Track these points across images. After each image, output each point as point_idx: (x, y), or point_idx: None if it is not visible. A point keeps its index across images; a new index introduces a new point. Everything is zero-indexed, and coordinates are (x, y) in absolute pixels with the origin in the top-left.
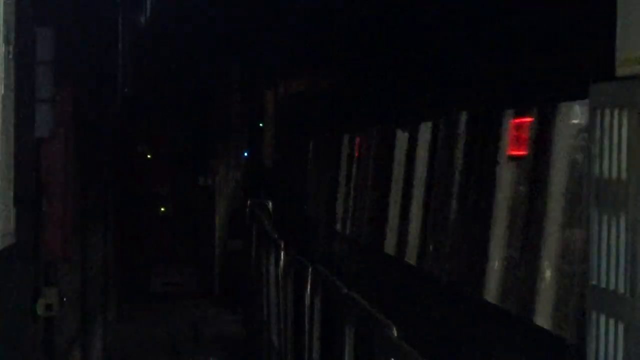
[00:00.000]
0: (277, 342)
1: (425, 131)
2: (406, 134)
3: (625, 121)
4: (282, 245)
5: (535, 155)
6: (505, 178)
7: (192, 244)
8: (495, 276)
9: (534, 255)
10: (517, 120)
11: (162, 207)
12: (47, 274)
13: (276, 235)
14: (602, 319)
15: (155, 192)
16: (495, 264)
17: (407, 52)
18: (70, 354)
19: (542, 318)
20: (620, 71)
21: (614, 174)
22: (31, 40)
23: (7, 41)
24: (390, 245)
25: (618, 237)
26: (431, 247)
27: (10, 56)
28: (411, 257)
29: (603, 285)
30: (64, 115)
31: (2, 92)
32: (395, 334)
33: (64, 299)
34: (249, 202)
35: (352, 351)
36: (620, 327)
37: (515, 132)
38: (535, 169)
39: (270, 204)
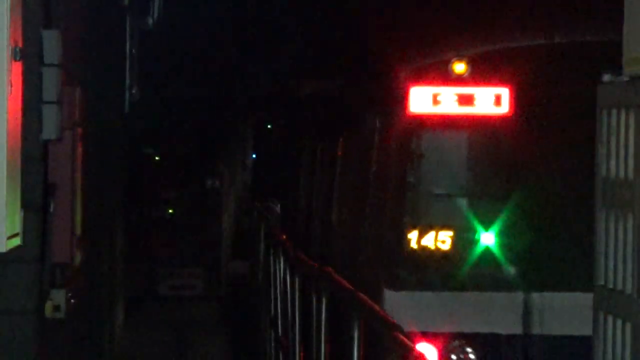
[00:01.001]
0: (285, 341)
1: (319, 147)
2: (318, 148)
3: (632, 121)
4: (289, 246)
5: (345, 155)
6: (339, 165)
7: (200, 246)
8: (335, 211)
9: (341, 200)
10: (341, 142)
11: (170, 209)
12: (54, 276)
13: (283, 237)
14: (610, 319)
15: (162, 194)
16: (332, 206)
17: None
18: (79, 358)
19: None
20: (627, 71)
21: (621, 175)
22: (38, 42)
23: (14, 43)
24: (314, 205)
25: (625, 237)
26: (318, 203)
27: (17, 58)
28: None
29: (610, 285)
30: (71, 118)
31: (9, 94)
32: (404, 334)
33: (72, 301)
34: (256, 204)
35: (359, 351)
36: (628, 327)
37: (341, 146)
38: (345, 161)
39: (278, 205)
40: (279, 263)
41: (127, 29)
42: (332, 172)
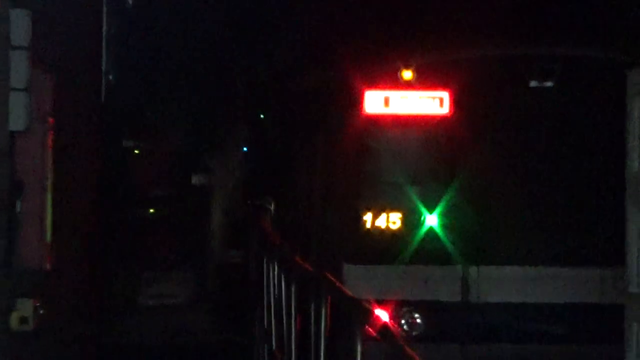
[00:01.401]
0: (280, 349)
1: (299, 141)
2: (299, 141)
3: None
4: (285, 249)
5: (315, 149)
6: (311, 158)
7: (186, 249)
8: (310, 200)
9: (313, 190)
10: (313, 136)
11: (152, 208)
12: (21, 284)
13: (278, 240)
14: None
15: (145, 191)
16: (308, 196)
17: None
18: None
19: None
20: None
21: None
22: (5, 23)
23: None
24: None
25: None
26: (299, 196)
27: None
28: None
29: None
30: (41, 107)
31: None
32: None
33: (41, 312)
34: (248, 202)
35: (360, 355)
36: None
37: (313, 140)
38: (315, 154)
39: (272, 204)
40: (273, 269)
41: (104, 7)
42: (308, 165)
